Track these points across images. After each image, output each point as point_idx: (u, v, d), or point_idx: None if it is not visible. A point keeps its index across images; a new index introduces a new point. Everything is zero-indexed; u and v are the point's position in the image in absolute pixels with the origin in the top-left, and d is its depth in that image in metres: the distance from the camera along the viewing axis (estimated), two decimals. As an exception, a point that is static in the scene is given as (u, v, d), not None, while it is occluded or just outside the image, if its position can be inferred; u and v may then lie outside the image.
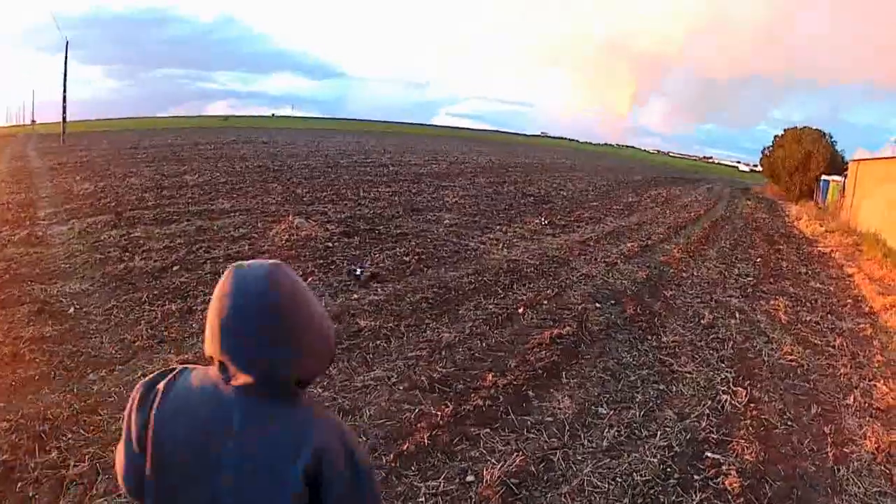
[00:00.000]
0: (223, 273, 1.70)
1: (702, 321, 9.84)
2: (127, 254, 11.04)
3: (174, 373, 1.79)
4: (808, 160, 46.07)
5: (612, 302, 10.42)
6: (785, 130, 52.88)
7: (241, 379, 1.65)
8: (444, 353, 7.56)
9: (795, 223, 27.92)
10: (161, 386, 1.75)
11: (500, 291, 10.49)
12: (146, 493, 1.69)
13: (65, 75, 45.74)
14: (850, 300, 12.78)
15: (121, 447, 1.76)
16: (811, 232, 24.69)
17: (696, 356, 8.26)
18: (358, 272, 10.40)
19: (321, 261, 11.36)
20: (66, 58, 45.96)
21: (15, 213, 15.11)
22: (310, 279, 9.91)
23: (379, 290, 9.91)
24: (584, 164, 60.24)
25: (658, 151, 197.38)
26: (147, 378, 1.81)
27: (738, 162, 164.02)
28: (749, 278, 13.59)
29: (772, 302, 11.50)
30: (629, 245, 15.81)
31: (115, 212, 14.88)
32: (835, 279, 15.07)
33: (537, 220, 18.01)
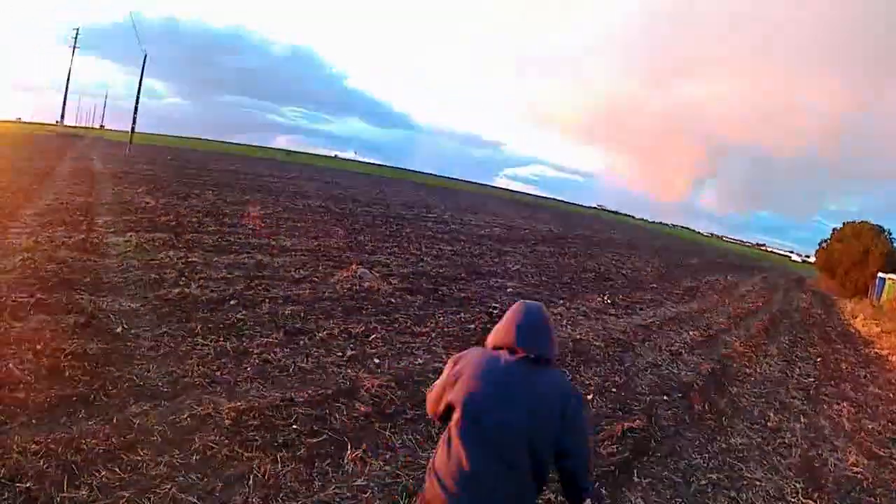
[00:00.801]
0: (510, 306, 3.31)
1: (768, 423, 9.39)
2: (183, 278, 10.70)
3: (467, 351, 3.22)
4: (867, 256, 45.56)
5: (680, 395, 9.88)
6: (844, 224, 52.72)
7: (523, 355, 3.05)
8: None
9: (851, 321, 27.35)
10: (464, 354, 3.20)
11: (568, 372, 9.81)
12: (450, 422, 3.03)
13: (139, 88, 46.74)
14: None
15: (439, 384, 3.18)
16: (867, 332, 23.96)
17: (765, 462, 7.82)
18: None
19: (384, 317, 10.83)
20: (142, 71, 47.19)
21: (73, 216, 15.02)
22: (372, 336, 9.50)
23: (444, 356, 9.12)
24: (640, 241, 59.54)
25: (712, 235, 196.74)
26: (462, 357, 3.19)
27: (791, 252, 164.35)
28: (810, 379, 13.15)
29: (835, 407, 11.12)
30: (692, 334, 15.26)
31: (175, 231, 14.67)
32: (894, 385, 14.50)
33: (599, 298, 17.39)
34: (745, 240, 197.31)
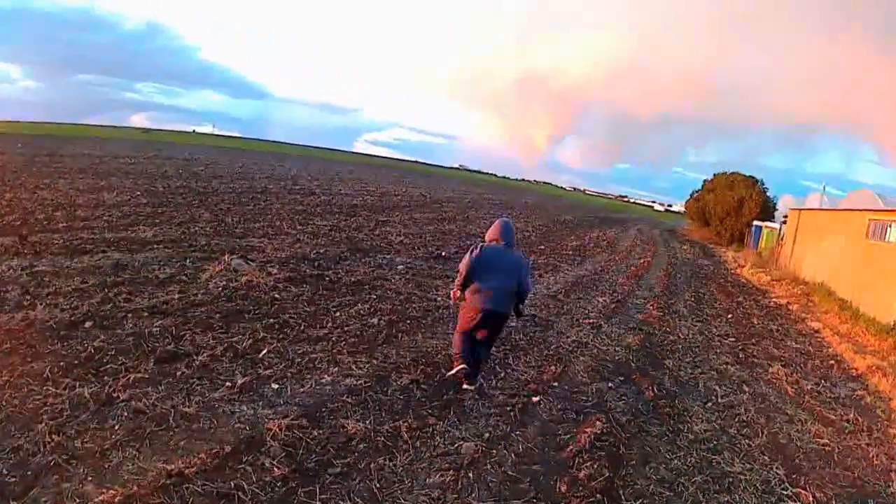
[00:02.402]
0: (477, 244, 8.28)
1: (719, 399, 9.13)
2: (28, 297, 8.59)
3: (479, 245, 7.75)
4: (741, 206, 48.13)
5: (622, 378, 9.26)
6: (714, 175, 56.34)
7: (503, 243, 7.76)
8: (471, 474, 5.60)
9: (739, 271, 28.93)
10: (480, 246, 7.70)
11: (499, 369, 8.70)
12: (474, 273, 7.51)
13: (-17, 72, 42.89)
14: (832, 361, 13.01)
15: (465, 262, 7.54)
16: (758, 281, 25.85)
17: (737, 448, 7.44)
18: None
19: (271, 320, 9.10)
20: (-13, 53, 43.07)
21: None
22: (264, 351, 7.78)
23: (354, 367, 7.78)
24: (511, 200, 60.90)
25: (574, 189, 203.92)
26: (474, 248, 7.69)
27: (653, 202, 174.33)
28: (731, 339, 13.44)
29: (769, 370, 11.25)
30: (601, 300, 15.02)
31: (19, 234, 12.38)
32: (805, 336, 15.45)
33: None
34: (606, 192, 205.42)
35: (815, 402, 9.78)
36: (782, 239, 34.77)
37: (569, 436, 6.82)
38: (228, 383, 6.66)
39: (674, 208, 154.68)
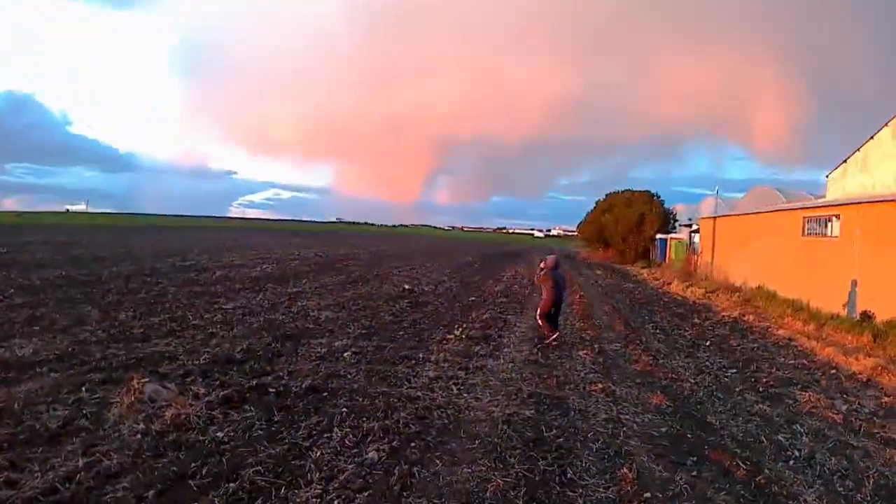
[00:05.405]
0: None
1: (792, 453, 8.22)
2: None
3: (549, 269, 15.25)
4: (643, 222, 49.96)
5: (694, 459, 7.77)
6: (608, 195, 59.33)
7: (556, 268, 15.37)
8: None
9: (668, 288, 29.94)
10: (549, 271, 15.24)
11: (570, 492, 6.50)
12: (554, 289, 14.99)
13: None
14: (832, 370, 13.44)
15: (545, 277, 15.24)
16: (693, 295, 27.28)
17: None
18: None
19: (231, 484, 6.12)
20: None
21: None
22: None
23: None
24: (407, 251, 59.24)
25: (452, 227, 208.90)
26: (547, 270, 15.23)
27: (532, 229, 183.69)
28: (732, 371, 13.02)
29: (798, 399, 10.95)
30: (582, 354, 13.56)
31: None
32: (785, 348, 16.01)
33: (451, 336, 14.62)
34: (483, 227, 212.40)
35: (864, 423, 9.72)
36: (696, 249, 35.50)
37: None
38: None
39: (553, 233, 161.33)
